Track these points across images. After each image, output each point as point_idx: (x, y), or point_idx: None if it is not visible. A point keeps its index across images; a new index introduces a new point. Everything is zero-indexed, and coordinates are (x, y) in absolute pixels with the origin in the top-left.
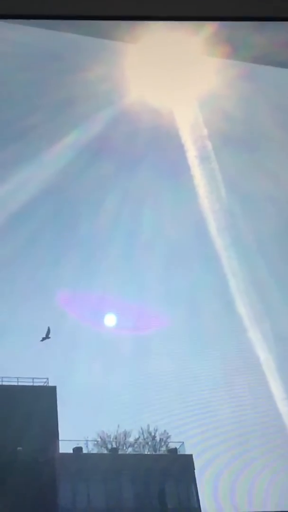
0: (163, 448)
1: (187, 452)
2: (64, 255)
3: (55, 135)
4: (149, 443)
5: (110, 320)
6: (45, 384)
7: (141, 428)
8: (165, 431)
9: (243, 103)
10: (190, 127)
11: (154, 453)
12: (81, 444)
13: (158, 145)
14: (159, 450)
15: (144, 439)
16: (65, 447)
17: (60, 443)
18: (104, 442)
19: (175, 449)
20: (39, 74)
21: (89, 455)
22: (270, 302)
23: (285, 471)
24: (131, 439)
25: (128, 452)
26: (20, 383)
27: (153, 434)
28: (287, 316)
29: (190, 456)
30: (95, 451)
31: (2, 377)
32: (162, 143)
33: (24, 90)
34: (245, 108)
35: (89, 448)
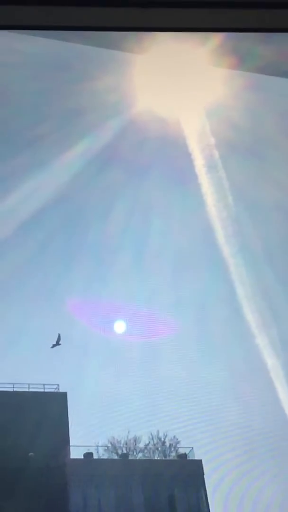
0: (173, 454)
1: (197, 458)
2: (74, 262)
3: (64, 144)
4: (159, 448)
5: (119, 326)
6: (55, 391)
7: (151, 434)
8: (174, 436)
9: (250, 112)
10: (197, 136)
11: (164, 458)
12: (92, 450)
13: (165, 154)
14: (169, 456)
15: (154, 444)
16: (76, 452)
17: (71, 448)
18: (114, 448)
19: (185, 455)
20: (48, 84)
21: (100, 461)
22: (278, 308)
23: None
24: (141, 445)
25: (138, 457)
26: (31, 390)
27: (163, 439)
28: None
29: (200, 461)
30: (105, 456)
31: (14, 384)
32: (170, 152)
33: (34, 100)
34: (252, 118)
35: (100, 454)
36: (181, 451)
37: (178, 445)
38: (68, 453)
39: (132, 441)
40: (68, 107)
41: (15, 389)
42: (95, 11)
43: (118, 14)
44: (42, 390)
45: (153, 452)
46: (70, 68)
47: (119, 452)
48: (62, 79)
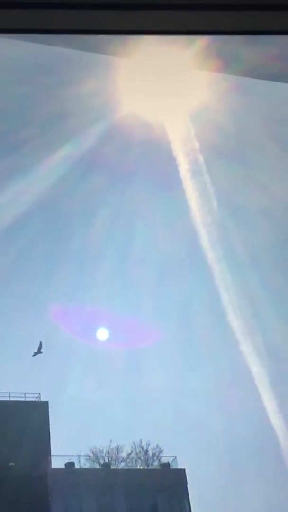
0: (156, 463)
1: (180, 467)
2: (57, 269)
3: (48, 148)
4: (142, 457)
5: (102, 334)
6: (37, 399)
7: (134, 443)
8: (157, 445)
9: (235, 116)
10: (182, 141)
11: (146, 467)
12: (73, 459)
13: (150, 159)
14: (151, 465)
15: (137, 453)
16: (57, 462)
17: (52, 458)
18: (96, 457)
19: (168, 464)
20: (32, 88)
21: (82, 470)
22: (263, 315)
23: (278, 483)
24: (123, 454)
25: (120, 467)
26: (12, 398)
27: (145, 448)
28: (279, 329)
29: (183, 470)
30: (87, 466)
31: None
32: (155, 157)
33: (17, 104)
34: (237, 121)
35: (82, 463)
36: (164, 460)
37: (161, 454)
38: (49, 462)
39: (114, 450)
40: (51, 111)
41: None
42: (78, 14)
43: (101, 17)
44: (23, 399)
45: (136, 461)
46: (53, 72)
47: (101, 461)
48: (45, 83)
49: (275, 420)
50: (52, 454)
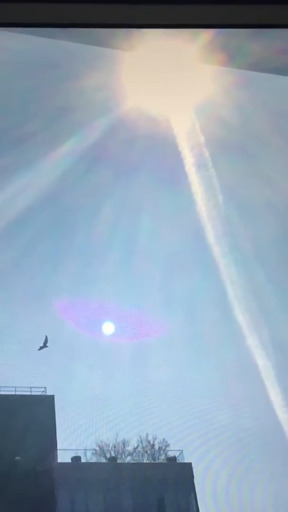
0: (162, 457)
1: (186, 460)
2: (62, 263)
3: (53, 142)
4: (148, 451)
5: (108, 328)
6: (43, 393)
7: (140, 437)
8: (164, 439)
9: (240, 110)
10: (187, 135)
11: (153, 461)
12: (80, 453)
13: (155, 153)
14: (158, 459)
15: (143, 447)
16: (63, 456)
17: (59, 452)
18: (102, 451)
19: (174, 458)
20: (36, 82)
21: (88, 464)
22: (269, 309)
23: (285, 476)
24: (129, 448)
25: (127, 461)
26: (18, 393)
27: (152, 442)
28: (285, 323)
29: (189, 464)
30: (93, 460)
31: (0, 387)
32: (160, 151)
33: (22, 98)
34: (242, 115)
35: (88, 457)
36: (171, 454)
37: (167, 448)
38: (56, 456)
39: (120, 444)
40: (56, 105)
41: (1, 393)
42: (83, 8)
43: (106, 10)
44: (29, 393)
45: (142, 455)
46: (58, 66)
47: (107, 455)
48: (50, 77)
49: (282, 414)
50: (58, 448)
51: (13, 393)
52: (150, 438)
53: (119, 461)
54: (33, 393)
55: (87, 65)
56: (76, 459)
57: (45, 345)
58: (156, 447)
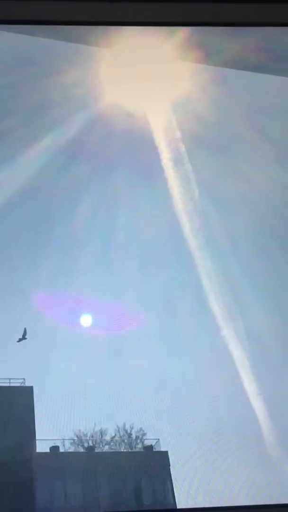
0: (139, 446)
1: (163, 449)
2: (40, 256)
3: (30, 138)
4: (125, 440)
5: (86, 320)
6: (22, 385)
7: (117, 426)
8: (141, 428)
9: (215, 106)
10: (164, 130)
11: (130, 450)
12: (58, 443)
13: (132, 148)
14: (135, 448)
15: (120, 437)
16: (42, 446)
17: (37, 442)
18: (80, 441)
19: (151, 446)
20: (13, 78)
21: (66, 454)
22: (243, 300)
23: (259, 465)
24: (107, 437)
25: (104, 450)
26: None
27: (129, 431)
28: (259, 314)
29: (166, 452)
30: (72, 449)
31: None
32: (137, 146)
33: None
34: (217, 111)
35: (66, 447)
36: (147, 442)
37: (144, 437)
38: (34, 446)
39: (98, 433)
40: (34, 101)
41: None
42: (62, 5)
43: (84, 8)
44: (7, 384)
45: (120, 444)
46: (35, 63)
47: (85, 445)
48: (27, 74)
49: (256, 402)
50: (37, 438)
51: None
52: (127, 427)
53: (97, 450)
54: (12, 385)
55: (66, 62)
56: (55, 448)
57: (24, 337)
58: (133, 436)
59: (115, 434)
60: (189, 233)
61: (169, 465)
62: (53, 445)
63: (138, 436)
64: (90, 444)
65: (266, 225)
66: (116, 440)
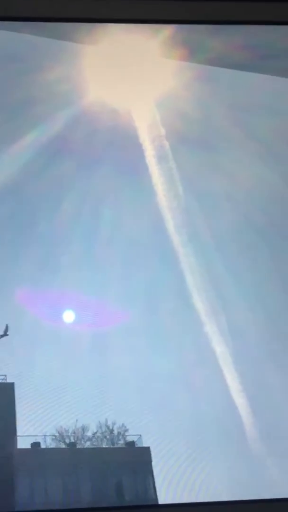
0: (121, 441)
1: (145, 445)
2: (23, 253)
3: (13, 135)
4: (107, 436)
5: (69, 316)
6: (2, 381)
7: (99, 422)
8: (123, 424)
9: (200, 103)
10: (148, 127)
11: (112, 446)
12: (39, 440)
13: (116, 145)
14: (117, 444)
15: (102, 433)
16: (23, 442)
17: (18, 438)
18: (62, 437)
19: (133, 442)
20: None
21: (47, 450)
22: (226, 296)
23: (241, 461)
24: (89, 434)
25: (86, 446)
26: None
27: (111, 428)
28: (242, 310)
29: (148, 448)
30: (53, 446)
31: None
32: (121, 143)
33: None
34: (202, 109)
35: (48, 443)
36: (129, 438)
37: (126, 433)
38: (15, 443)
39: (80, 430)
40: (17, 98)
41: None
42: (46, 1)
43: (69, 4)
44: None
45: (101, 440)
46: (19, 59)
47: (67, 441)
48: (11, 70)
49: (238, 398)
50: (17, 434)
51: None
52: (109, 423)
53: (78, 446)
54: None
55: (50, 59)
56: (36, 445)
57: (5, 334)
58: (115, 432)
59: (97, 430)
60: (172, 230)
61: (151, 461)
62: (34, 441)
63: (120, 432)
64: (72, 440)
65: (249, 221)
66: (98, 436)
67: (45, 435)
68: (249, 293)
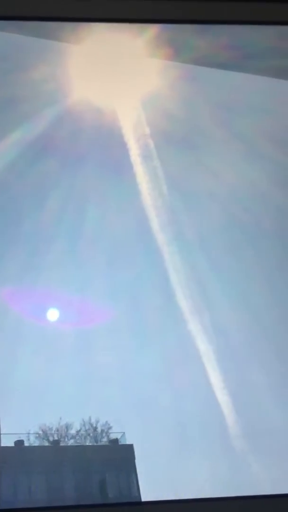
0: (105, 439)
1: (128, 442)
2: (7, 251)
3: None
4: (91, 434)
5: (53, 314)
6: None
7: (83, 420)
8: (106, 422)
9: (184, 103)
10: (133, 127)
11: (95, 444)
12: (23, 437)
13: (101, 144)
14: (100, 441)
15: (86, 430)
16: (6, 440)
17: (2, 436)
18: (45, 435)
19: (116, 440)
20: None
21: (31, 448)
22: (210, 294)
23: (224, 458)
24: (72, 431)
25: (69, 444)
26: None
27: (94, 425)
28: (225, 308)
29: (131, 446)
30: (36, 443)
31: None
32: (106, 142)
33: None
34: (186, 108)
35: (31, 441)
36: (113, 436)
37: (109, 431)
38: None
39: (63, 427)
40: (2, 96)
41: None
42: (31, 0)
43: (54, 3)
44: None
45: (85, 438)
46: (4, 58)
47: (51, 439)
48: None
49: (221, 396)
50: (1, 432)
51: None
52: (93, 421)
53: (62, 444)
54: None
55: (35, 58)
56: (19, 443)
57: None
58: (99, 429)
59: (81, 428)
60: (157, 228)
61: (134, 458)
62: (18, 439)
63: (104, 430)
64: (55, 438)
65: (233, 219)
66: (82, 434)
67: (28, 433)
68: (233, 292)
